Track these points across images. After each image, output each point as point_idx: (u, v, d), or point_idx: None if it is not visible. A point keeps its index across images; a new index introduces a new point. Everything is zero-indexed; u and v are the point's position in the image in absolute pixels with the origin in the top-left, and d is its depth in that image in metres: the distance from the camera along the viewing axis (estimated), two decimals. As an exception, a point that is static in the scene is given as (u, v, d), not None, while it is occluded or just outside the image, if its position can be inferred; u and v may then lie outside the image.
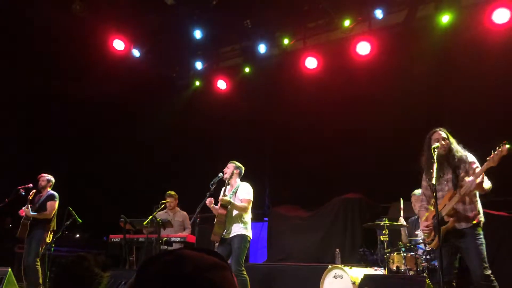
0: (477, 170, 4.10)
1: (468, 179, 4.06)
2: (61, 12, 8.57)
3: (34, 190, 6.92)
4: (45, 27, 8.58)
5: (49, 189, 7.05)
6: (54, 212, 6.86)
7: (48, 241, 6.80)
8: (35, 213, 6.73)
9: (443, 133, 4.36)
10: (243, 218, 5.66)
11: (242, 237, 5.55)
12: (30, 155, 10.13)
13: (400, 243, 5.94)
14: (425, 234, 4.46)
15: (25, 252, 6.75)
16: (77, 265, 2.11)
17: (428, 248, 5.42)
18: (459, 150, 4.31)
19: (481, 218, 4.18)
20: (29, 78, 9.50)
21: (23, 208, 6.77)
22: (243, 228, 5.61)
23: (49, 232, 6.83)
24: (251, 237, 5.69)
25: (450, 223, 4.13)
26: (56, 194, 6.98)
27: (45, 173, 7.18)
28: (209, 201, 5.76)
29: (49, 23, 8.48)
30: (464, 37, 7.78)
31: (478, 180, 3.95)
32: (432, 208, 4.44)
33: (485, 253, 4.03)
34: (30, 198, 6.80)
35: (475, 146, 4.46)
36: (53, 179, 7.15)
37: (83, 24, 8.77)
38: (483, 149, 4.34)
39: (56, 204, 6.89)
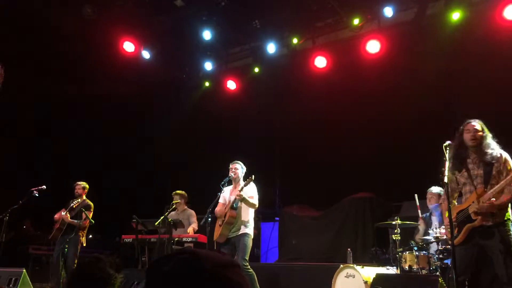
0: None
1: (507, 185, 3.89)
2: (72, 15, 8.65)
3: (79, 200, 7.22)
4: (57, 30, 8.66)
5: (84, 196, 7.39)
6: (88, 221, 7.18)
7: (84, 245, 7.21)
8: (72, 220, 7.06)
9: (477, 125, 4.19)
10: (248, 219, 5.86)
11: (247, 235, 5.78)
12: (44, 156, 10.26)
13: (413, 241, 5.90)
14: (449, 230, 4.20)
15: (58, 254, 6.97)
16: (92, 266, 2.15)
17: (441, 247, 5.38)
18: (493, 146, 4.11)
19: (510, 215, 4.03)
20: (41, 79, 9.60)
21: (62, 213, 7.08)
22: (247, 227, 5.83)
23: (84, 237, 7.23)
24: (253, 237, 5.87)
25: (478, 221, 3.97)
26: (91, 204, 7.32)
27: (79, 180, 7.49)
28: (219, 210, 5.91)
29: (61, 26, 8.56)
30: (475, 34, 7.71)
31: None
32: (455, 202, 4.34)
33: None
34: (74, 206, 7.12)
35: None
36: (87, 186, 7.47)
37: (93, 26, 8.84)
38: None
39: (91, 214, 7.24)
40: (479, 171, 4.12)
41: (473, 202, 4.06)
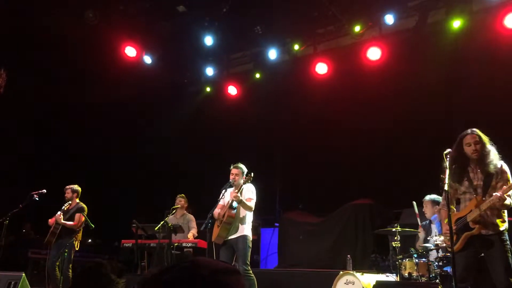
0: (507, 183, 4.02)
1: (495, 194, 3.95)
2: (75, 19, 8.69)
3: (70, 202, 7.18)
4: (59, 35, 8.69)
5: (77, 200, 7.31)
6: (81, 224, 7.10)
7: (76, 249, 7.12)
8: (65, 222, 6.98)
9: (476, 136, 4.18)
10: (246, 219, 5.75)
11: (246, 237, 5.65)
12: (46, 159, 10.27)
13: (412, 249, 5.90)
14: (447, 237, 4.26)
15: (52, 259, 6.94)
16: (94, 272, 2.15)
17: (440, 254, 5.38)
18: (493, 155, 4.13)
19: (506, 225, 4.09)
20: (42, 82, 9.62)
21: (56, 215, 7.01)
22: (246, 229, 5.71)
23: (77, 242, 7.13)
24: (251, 238, 5.77)
25: (476, 230, 4.03)
26: (84, 206, 7.20)
27: (70, 183, 7.42)
28: (217, 211, 5.83)
29: (63, 30, 8.59)
30: (475, 42, 7.73)
31: (504, 196, 3.88)
32: (454, 209, 4.34)
33: (510, 261, 3.94)
34: (65, 209, 7.07)
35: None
36: (78, 189, 7.38)
37: (95, 31, 8.87)
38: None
39: (84, 217, 7.10)
40: (479, 181, 4.16)
41: (471, 210, 4.10)
